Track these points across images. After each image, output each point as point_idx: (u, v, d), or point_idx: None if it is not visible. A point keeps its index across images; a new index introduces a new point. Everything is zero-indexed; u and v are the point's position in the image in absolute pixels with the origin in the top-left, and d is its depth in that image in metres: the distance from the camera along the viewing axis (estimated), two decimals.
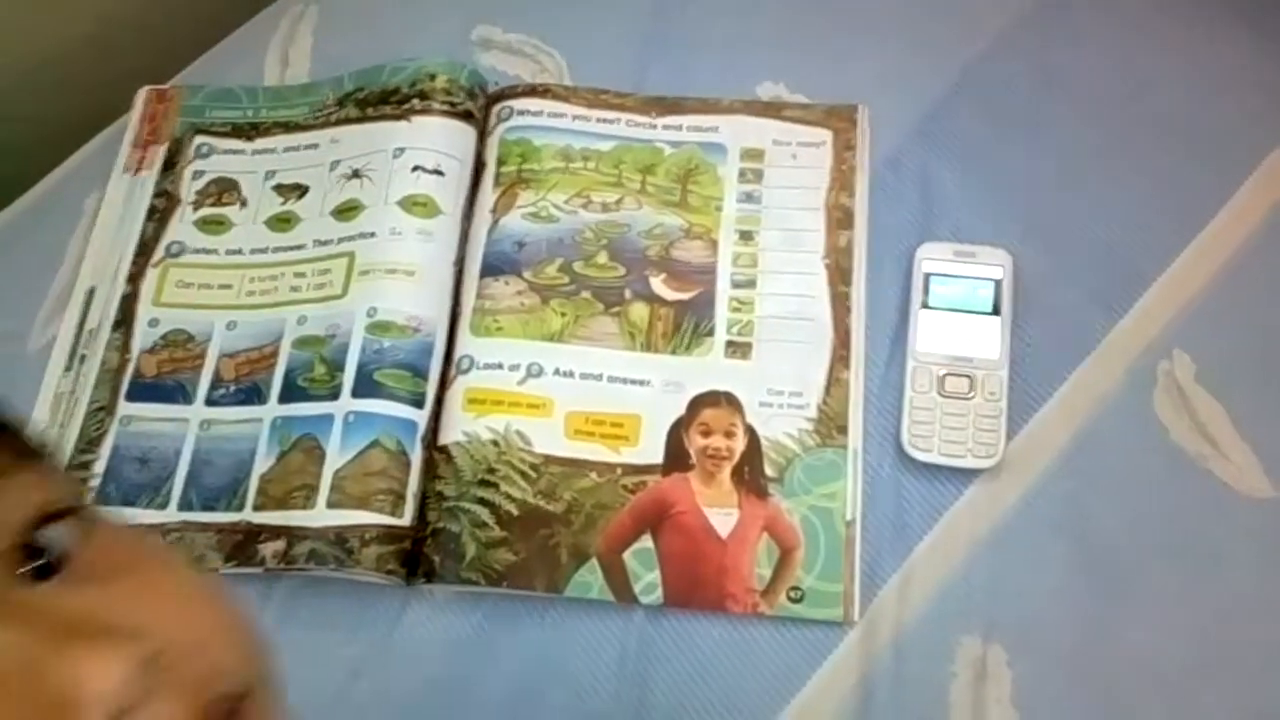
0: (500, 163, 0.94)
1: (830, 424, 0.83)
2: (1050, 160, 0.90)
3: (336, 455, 0.81)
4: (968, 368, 0.82)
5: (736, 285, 0.88)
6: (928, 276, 0.85)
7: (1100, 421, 0.82)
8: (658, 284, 0.89)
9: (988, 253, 0.86)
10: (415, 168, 0.91)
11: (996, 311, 0.84)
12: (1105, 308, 0.85)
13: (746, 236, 0.90)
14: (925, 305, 0.85)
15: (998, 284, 0.85)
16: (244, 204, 0.95)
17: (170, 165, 0.98)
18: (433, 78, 0.95)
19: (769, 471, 0.82)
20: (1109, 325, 0.85)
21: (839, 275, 0.87)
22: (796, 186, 0.91)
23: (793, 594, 0.78)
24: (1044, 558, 0.78)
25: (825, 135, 0.93)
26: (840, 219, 0.89)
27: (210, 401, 0.87)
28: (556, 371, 0.86)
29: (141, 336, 0.90)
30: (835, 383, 0.84)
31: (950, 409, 0.81)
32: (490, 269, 0.89)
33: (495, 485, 0.82)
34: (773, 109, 0.94)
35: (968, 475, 0.81)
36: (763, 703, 0.76)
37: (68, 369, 0.90)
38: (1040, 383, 0.83)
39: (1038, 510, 0.79)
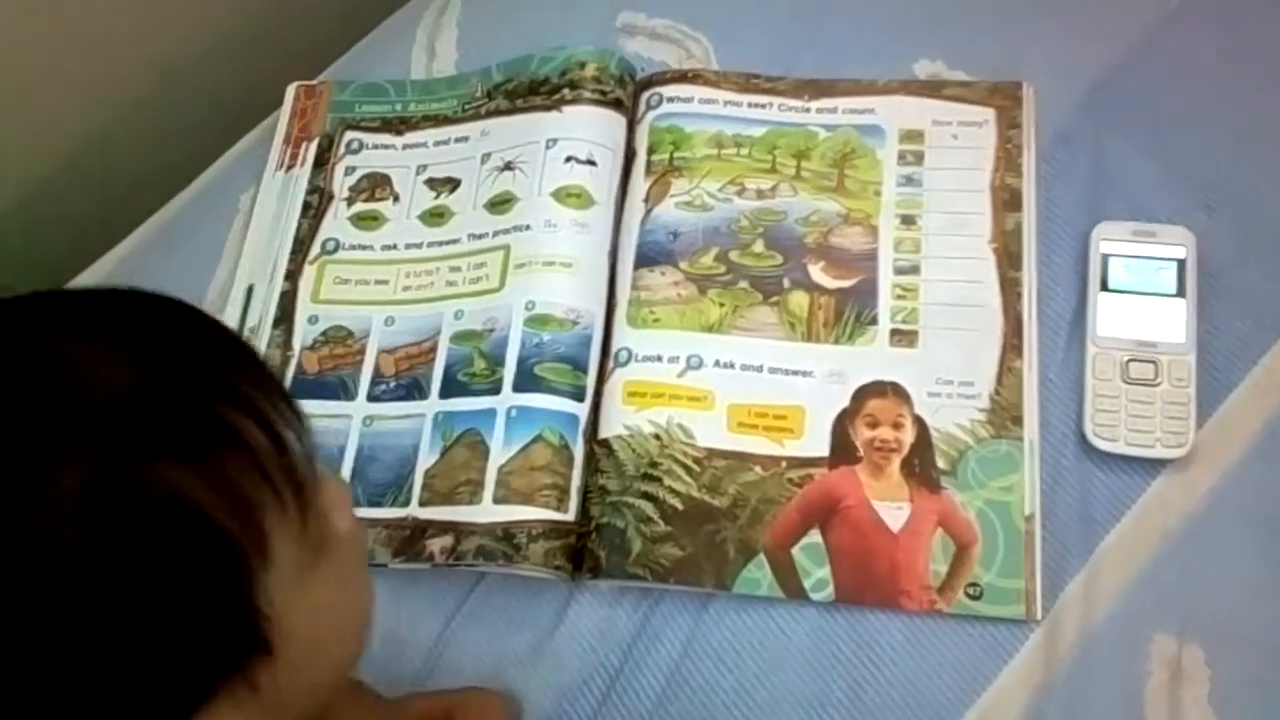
0: (651, 151, 0.92)
1: (1004, 414, 0.80)
2: (1232, 132, 0.86)
3: (500, 450, 0.81)
4: (1152, 353, 0.78)
5: (899, 272, 0.86)
6: (1106, 258, 0.82)
7: None
8: (817, 272, 0.87)
9: (1169, 231, 0.82)
10: (568, 158, 0.90)
11: (1181, 293, 0.80)
12: None
13: (908, 221, 0.87)
14: (1105, 288, 0.81)
15: (1181, 264, 0.81)
16: (396, 199, 0.95)
17: (322, 161, 0.99)
18: (582, 66, 0.94)
19: (940, 464, 0.79)
20: None
21: (1008, 260, 0.84)
22: (959, 168, 0.88)
23: (971, 591, 0.76)
24: (1240, 551, 0.75)
25: (988, 114, 0.89)
26: (1007, 201, 0.86)
27: (372, 397, 0.87)
28: (716, 363, 0.84)
29: (302, 334, 0.91)
30: (1008, 371, 0.81)
31: (1135, 396, 0.77)
32: (645, 259, 0.88)
33: (659, 479, 0.81)
34: (931, 88, 0.91)
35: (1156, 466, 0.77)
36: (946, 702, 0.73)
37: None
38: (1230, 367, 0.79)
39: (1232, 501, 0.76)
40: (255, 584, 0.43)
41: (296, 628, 0.45)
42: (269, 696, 0.45)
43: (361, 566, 0.58)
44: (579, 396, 0.83)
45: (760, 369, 0.84)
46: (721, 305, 0.86)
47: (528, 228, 0.89)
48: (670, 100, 0.94)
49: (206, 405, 0.44)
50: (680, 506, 0.79)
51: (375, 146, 0.98)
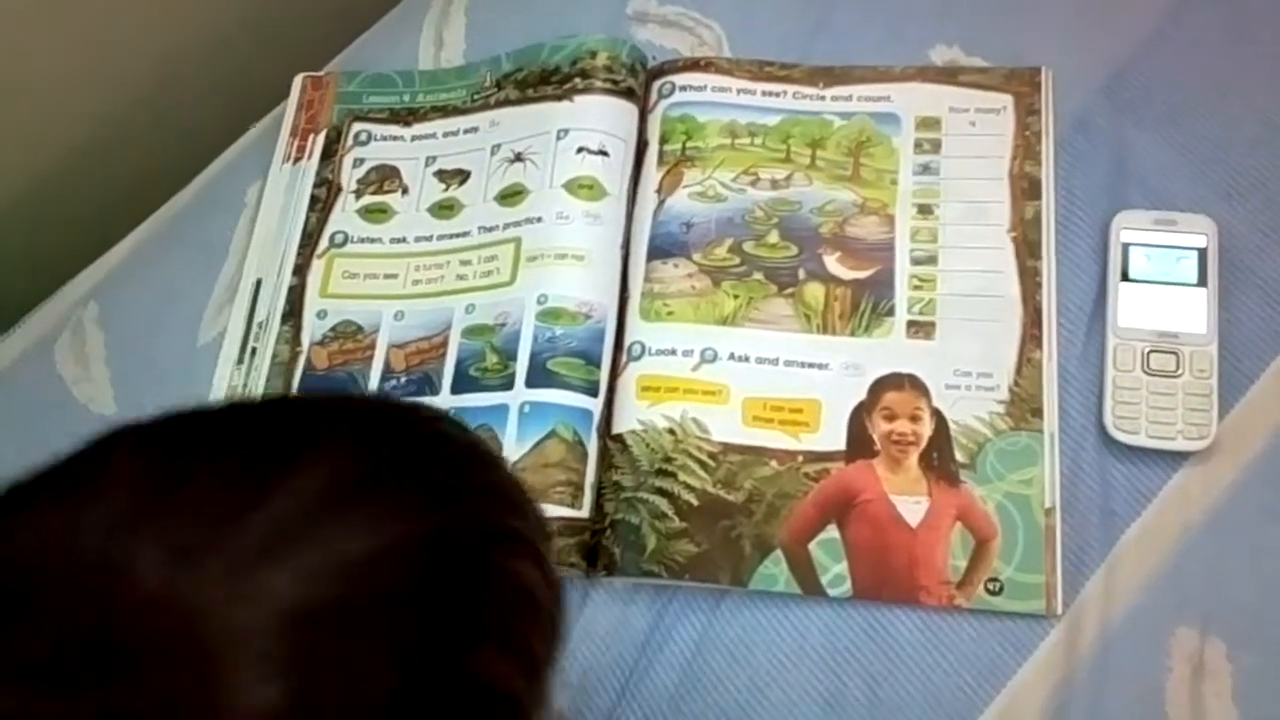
0: (664, 141, 0.91)
1: (1024, 406, 0.79)
2: (1253, 118, 0.84)
3: (514, 446, 0.80)
4: (1173, 344, 0.77)
5: (916, 262, 0.84)
6: (1126, 247, 0.80)
7: None
8: (832, 263, 0.86)
9: (1190, 220, 0.80)
10: (580, 149, 0.89)
11: (1203, 283, 0.79)
12: None
13: (925, 210, 0.86)
14: (1125, 278, 0.80)
15: (1202, 253, 0.79)
16: (405, 191, 0.94)
17: (329, 153, 0.98)
18: (594, 55, 0.93)
19: (959, 457, 0.78)
20: None
21: (1026, 249, 0.83)
22: (977, 156, 0.87)
23: (991, 586, 0.75)
24: (1262, 544, 0.74)
25: (1006, 100, 0.88)
26: (1026, 189, 0.85)
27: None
28: (731, 356, 0.83)
29: (311, 328, 0.90)
30: (1027, 363, 0.80)
31: (1157, 388, 0.76)
32: (658, 251, 0.87)
33: (673, 475, 0.80)
34: (948, 74, 0.90)
35: (1177, 458, 0.76)
36: (965, 699, 0.72)
37: (239, 362, 0.91)
38: (1252, 358, 0.78)
39: (1255, 493, 0.75)
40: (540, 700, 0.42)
41: None
42: None
43: None
44: (592, 391, 0.82)
45: (775, 362, 0.83)
46: (736, 297, 0.85)
47: (539, 220, 0.88)
48: (683, 89, 0.93)
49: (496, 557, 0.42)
50: (695, 502, 0.79)
51: (383, 138, 0.97)
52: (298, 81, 1.02)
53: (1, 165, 1.03)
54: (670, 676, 0.77)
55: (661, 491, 0.79)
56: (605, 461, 0.81)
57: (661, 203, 0.89)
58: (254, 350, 0.91)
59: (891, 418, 0.80)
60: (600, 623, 0.79)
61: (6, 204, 1.05)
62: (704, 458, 0.80)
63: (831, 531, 0.77)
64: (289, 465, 0.38)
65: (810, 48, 0.93)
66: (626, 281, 0.87)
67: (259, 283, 0.93)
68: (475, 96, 0.96)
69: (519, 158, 0.91)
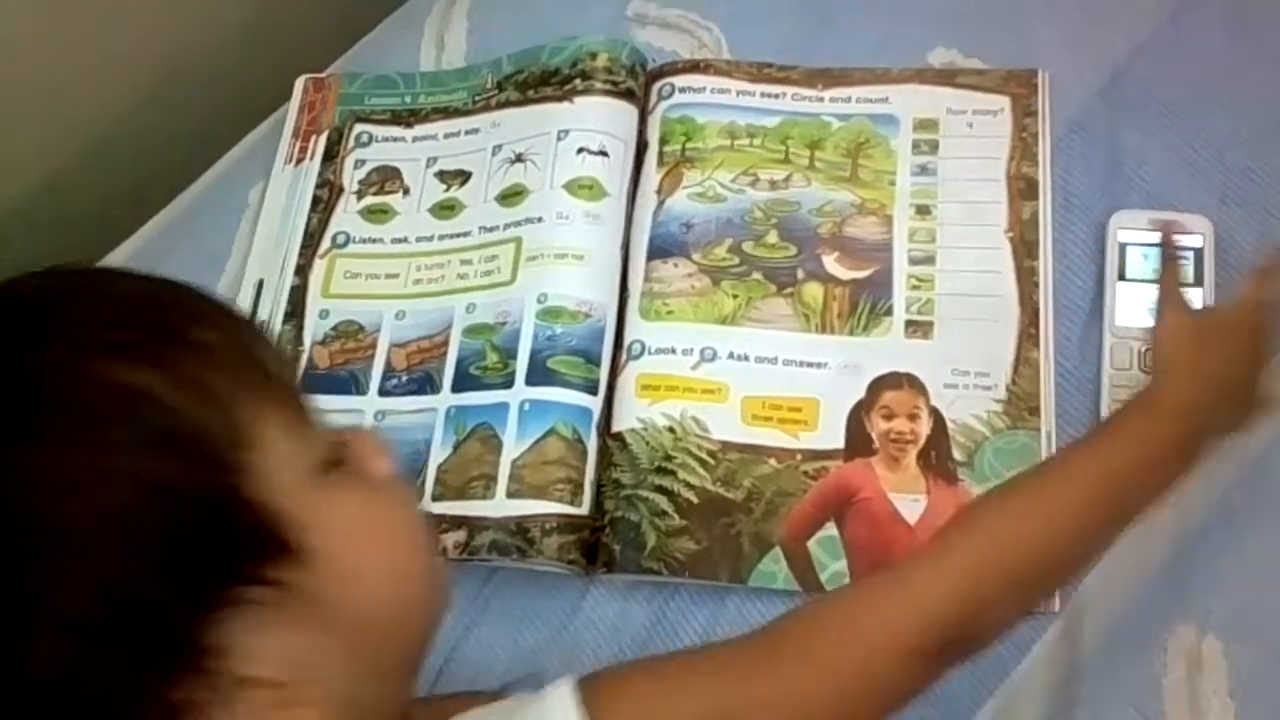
0: (663, 142, 0.92)
1: (1021, 405, 0.79)
2: (1249, 120, 0.85)
3: (514, 444, 0.81)
4: None
5: (914, 262, 0.85)
6: (1123, 247, 0.81)
7: None
8: (831, 263, 0.86)
9: (1186, 220, 0.81)
10: (580, 150, 0.90)
11: (1199, 282, 0.79)
12: None
13: (923, 211, 0.87)
14: (1122, 277, 0.80)
15: (1198, 253, 0.80)
16: (407, 192, 0.95)
17: (331, 154, 0.98)
18: (594, 56, 0.93)
19: (957, 455, 0.79)
20: None
21: (1024, 249, 0.83)
22: (974, 157, 0.88)
23: None
24: (1259, 543, 0.74)
25: (1003, 102, 0.89)
26: (1023, 190, 0.85)
27: (384, 392, 0.87)
28: (730, 355, 0.83)
29: (313, 328, 0.90)
30: (1024, 362, 0.80)
31: None
32: (658, 251, 0.88)
33: (673, 473, 0.80)
34: (946, 76, 0.91)
35: None
36: (964, 695, 0.73)
37: None
38: None
39: (1253, 492, 0.75)
40: (240, 470, 0.44)
41: (332, 542, 0.46)
42: (330, 617, 0.46)
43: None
44: (592, 389, 0.83)
45: (774, 361, 0.83)
46: (735, 297, 0.85)
47: (539, 220, 0.88)
48: (682, 90, 0.93)
49: (166, 320, 0.47)
50: (695, 500, 0.79)
51: (385, 139, 0.98)
52: (300, 83, 1.02)
53: (5, 167, 1.04)
54: None
55: (661, 489, 0.79)
56: (605, 459, 0.81)
57: (661, 203, 0.89)
58: None
59: (890, 416, 0.80)
60: (601, 621, 0.79)
61: (11, 206, 1.05)
62: (703, 456, 0.80)
63: (830, 529, 0.78)
64: None
65: (809, 50, 0.94)
66: (626, 281, 0.87)
67: (261, 283, 0.94)
68: (476, 98, 0.97)
69: (519, 158, 0.92)
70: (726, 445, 0.80)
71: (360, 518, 0.50)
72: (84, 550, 0.41)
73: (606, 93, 0.92)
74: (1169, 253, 0.76)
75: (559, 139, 0.91)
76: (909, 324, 0.83)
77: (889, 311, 0.83)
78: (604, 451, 0.82)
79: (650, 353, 0.84)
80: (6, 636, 0.40)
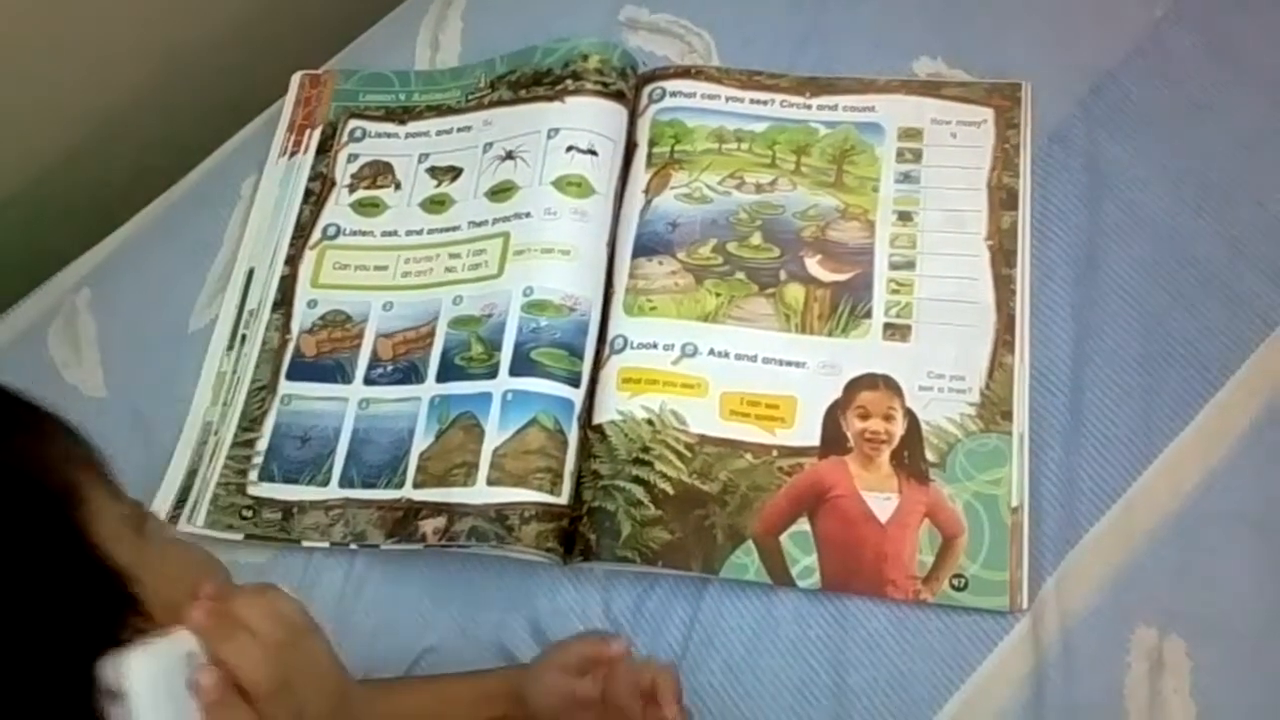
0: (653, 144, 0.93)
1: (994, 409, 0.80)
2: (1226, 135, 0.87)
3: (495, 433, 0.82)
4: None
5: (895, 267, 0.86)
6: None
7: None
8: (813, 265, 0.87)
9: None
10: (569, 148, 0.91)
11: None
12: None
13: (905, 217, 0.88)
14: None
15: None
16: (398, 186, 0.96)
17: (325, 149, 1.00)
18: (585, 58, 0.95)
19: (930, 456, 0.80)
20: None
21: (1002, 257, 0.85)
22: (957, 166, 0.89)
23: (956, 582, 0.76)
24: (1224, 546, 0.75)
25: (987, 113, 0.90)
26: (1003, 199, 0.87)
27: (369, 381, 0.88)
28: (711, 352, 0.85)
29: (301, 317, 0.92)
30: (999, 367, 0.82)
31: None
32: (643, 249, 0.89)
33: (650, 464, 0.81)
34: (931, 87, 0.92)
35: (1143, 461, 0.78)
36: (930, 688, 0.74)
37: (229, 348, 0.92)
38: (1219, 366, 0.80)
39: (1217, 497, 0.76)
40: (82, 519, 0.46)
41: (161, 593, 0.47)
42: None
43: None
44: (574, 382, 0.84)
45: (754, 359, 0.84)
46: (718, 295, 0.87)
47: (528, 215, 0.90)
48: (673, 94, 0.95)
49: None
50: (671, 491, 0.80)
51: (378, 135, 0.99)
52: (296, 79, 1.04)
53: (3, 159, 1.05)
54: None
55: (638, 480, 0.81)
56: (585, 451, 0.83)
57: (649, 202, 0.91)
58: (244, 337, 0.92)
59: (865, 416, 0.82)
60: (578, 609, 0.81)
61: (6, 196, 1.06)
62: (681, 449, 0.81)
63: (803, 525, 0.79)
64: None
65: (798, 58, 0.96)
66: (611, 277, 0.88)
67: (251, 272, 0.95)
68: (469, 96, 0.98)
69: (510, 155, 0.93)
70: (704, 439, 0.82)
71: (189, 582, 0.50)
72: None
73: (597, 93, 0.93)
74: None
75: (549, 137, 0.92)
76: (887, 327, 0.84)
77: (868, 314, 0.85)
78: (584, 443, 0.83)
79: (632, 347, 0.85)
80: None
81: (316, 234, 0.95)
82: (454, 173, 0.95)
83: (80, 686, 0.43)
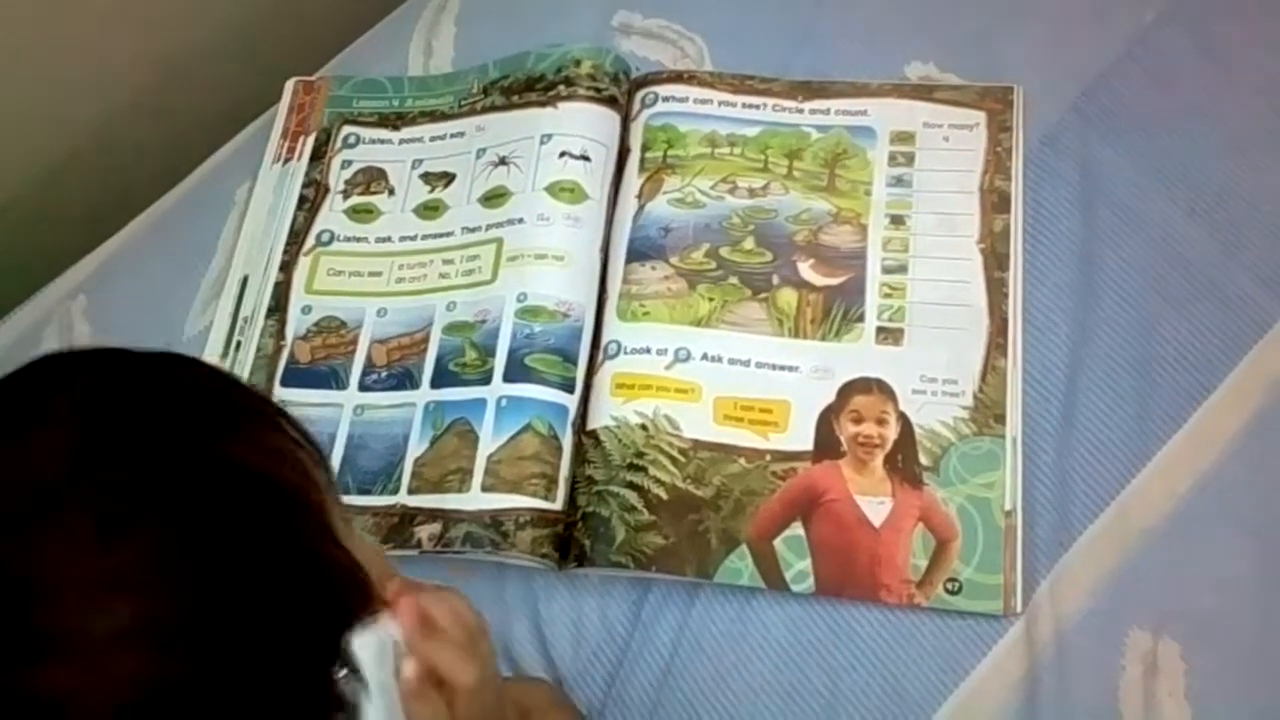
0: (645, 149, 0.93)
1: (987, 412, 0.81)
2: (1215, 136, 0.87)
3: (490, 439, 0.82)
4: None
5: (887, 270, 0.87)
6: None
7: (1276, 407, 0.78)
8: (806, 269, 0.88)
9: None
10: (562, 154, 0.91)
11: None
12: (1274, 292, 0.82)
13: (897, 221, 0.88)
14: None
15: None
16: (392, 192, 0.96)
17: (318, 155, 1.00)
18: (578, 63, 0.95)
19: (923, 460, 0.80)
20: None
21: (995, 260, 0.85)
22: (949, 170, 0.89)
23: (950, 586, 0.76)
24: (1217, 549, 0.75)
25: (979, 117, 0.90)
26: (995, 203, 0.87)
27: (363, 387, 0.88)
28: (704, 356, 0.85)
29: (295, 323, 0.92)
30: (992, 370, 0.82)
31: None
32: (636, 254, 0.89)
33: (644, 469, 0.81)
34: (923, 91, 0.92)
35: (1137, 464, 0.78)
36: (924, 693, 0.74)
37: (224, 355, 0.93)
38: (1212, 368, 0.80)
39: (1211, 500, 0.76)
40: (327, 520, 0.46)
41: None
42: None
43: None
44: (568, 388, 0.84)
45: (747, 363, 0.85)
46: (711, 300, 0.87)
47: (521, 221, 0.90)
48: (665, 99, 0.95)
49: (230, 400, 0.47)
50: (665, 496, 0.80)
51: (372, 141, 0.99)
52: (290, 85, 1.04)
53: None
54: (646, 671, 0.79)
55: (632, 485, 0.81)
56: (579, 456, 0.83)
57: (641, 207, 0.91)
58: (239, 344, 0.92)
59: (859, 420, 0.82)
60: (573, 616, 0.81)
61: (6, 199, 1.07)
62: (675, 453, 0.82)
63: (797, 529, 0.79)
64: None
65: (790, 62, 0.96)
66: (605, 282, 0.89)
67: (246, 278, 0.95)
68: (462, 102, 0.99)
69: (503, 161, 0.93)
70: (697, 444, 0.82)
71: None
72: None
73: (590, 99, 0.93)
74: None
75: (542, 143, 0.92)
76: (880, 331, 0.85)
77: (861, 318, 0.85)
78: (579, 448, 0.83)
79: (626, 352, 0.85)
80: None
81: (310, 240, 0.95)
82: (447, 178, 0.95)
83: (322, 666, 0.43)
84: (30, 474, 0.39)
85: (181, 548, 0.39)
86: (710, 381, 0.84)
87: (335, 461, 0.85)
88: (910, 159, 0.90)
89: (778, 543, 0.79)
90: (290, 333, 0.91)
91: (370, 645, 0.46)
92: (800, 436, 0.82)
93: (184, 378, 0.46)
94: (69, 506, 0.39)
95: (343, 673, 0.44)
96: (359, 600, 0.46)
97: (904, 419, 0.81)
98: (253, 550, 0.41)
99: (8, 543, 0.38)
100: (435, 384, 0.86)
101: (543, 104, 0.94)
